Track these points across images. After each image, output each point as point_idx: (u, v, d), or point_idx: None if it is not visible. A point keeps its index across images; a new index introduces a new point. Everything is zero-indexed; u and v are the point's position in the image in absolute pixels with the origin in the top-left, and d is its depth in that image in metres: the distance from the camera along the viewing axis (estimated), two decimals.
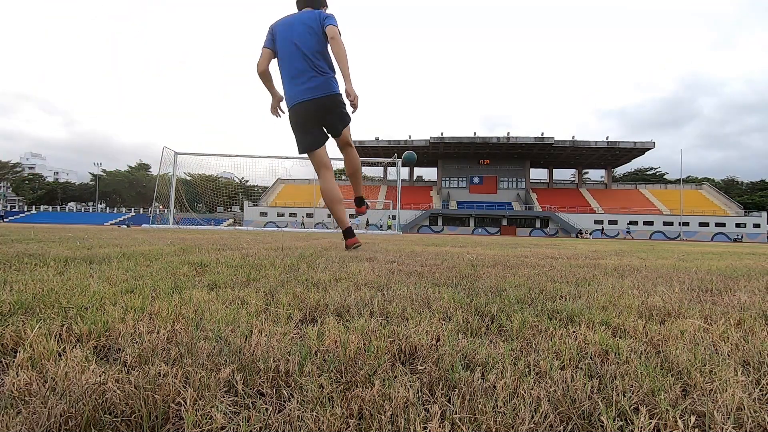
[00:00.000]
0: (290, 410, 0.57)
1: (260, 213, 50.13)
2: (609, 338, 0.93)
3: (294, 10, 3.80)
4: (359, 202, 4.27)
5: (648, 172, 74.18)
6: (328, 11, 3.71)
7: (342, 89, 3.54)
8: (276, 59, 3.66)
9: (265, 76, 3.75)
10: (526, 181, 57.12)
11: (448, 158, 57.52)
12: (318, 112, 3.58)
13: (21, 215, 56.05)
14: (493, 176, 57.30)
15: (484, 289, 1.58)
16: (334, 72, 3.62)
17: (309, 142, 3.70)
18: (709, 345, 0.91)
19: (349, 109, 3.56)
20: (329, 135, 3.78)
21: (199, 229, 12.93)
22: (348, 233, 3.77)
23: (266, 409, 0.58)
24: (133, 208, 64.12)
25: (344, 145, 3.83)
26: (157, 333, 0.87)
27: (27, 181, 75.03)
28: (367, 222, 39.38)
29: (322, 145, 3.75)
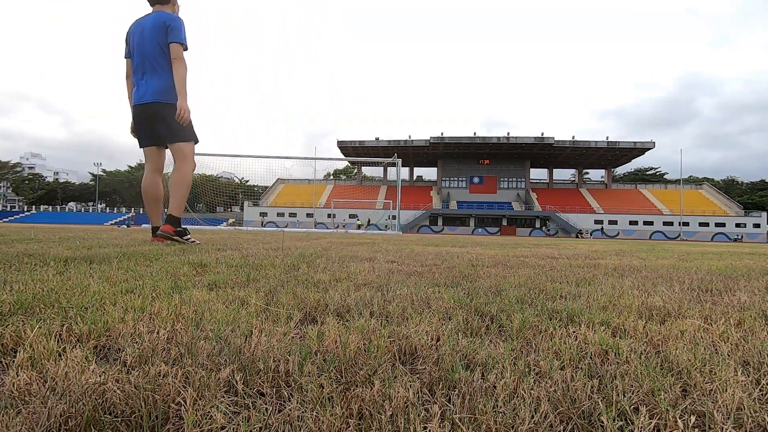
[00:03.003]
0: (290, 410, 0.57)
1: (260, 213, 50.14)
2: (609, 338, 0.92)
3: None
4: (171, 221, 3.81)
5: (648, 172, 74.20)
6: (178, 10, 3.91)
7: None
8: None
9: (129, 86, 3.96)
10: (526, 181, 57.11)
11: (448, 158, 57.50)
12: (146, 117, 3.77)
13: (21, 215, 56.05)
14: (493, 176, 57.29)
15: (484, 289, 1.58)
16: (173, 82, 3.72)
17: (140, 138, 3.91)
18: (709, 345, 0.91)
19: (177, 121, 3.68)
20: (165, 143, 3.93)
21: (199, 229, 12.94)
22: (155, 230, 3.91)
23: (266, 409, 0.58)
24: (133, 208, 64.15)
25: (175, 158, 3.87)
26: (157, 333, 0.87)
27: (27, 181, 75.03)
28: (368, 222, 39.36)
29: (150, 146, 3.91)
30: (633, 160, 56.42)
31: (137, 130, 3.88)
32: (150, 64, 3.67)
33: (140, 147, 3.93)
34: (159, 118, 3.71)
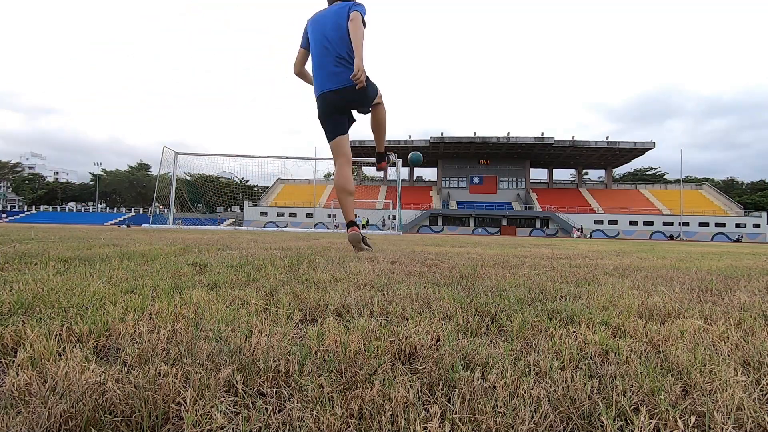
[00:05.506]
0: (290, 410, 0.57)
1: (260, 213, 50.14)
2: (609, 338, 0.92)
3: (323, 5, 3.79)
4: (380, 158, 4.39)
5: (648, 172, 74.17)
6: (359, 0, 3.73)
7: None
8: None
9: (302, 76, 3.99)
10: (526, 181, 57.10)
11: (448, 158, 57.50)
12: (341, 101, 3.66)
13: (21, 215, 56.04)
14: (493, 176, 57.28)
15: (484, 289, 1.57)
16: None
17: (330, 129, 3.79)
18: (709, 345, 0.91)
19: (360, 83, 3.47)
20: (354, 120, 3.89)
21: (199, 229, 12.95)
22: (351, 224, 3.85)
23: (266, 409, 0.58)
24: (133, 208, 64.15)
25: (374, 107, 3.94)
26: (157, 333, 0.87)
27: (27, 181, 75.01)
28: (367, 221, 39.39)
29: (342, 134, 3.82)
30: (633, 160, 56.45)
31: (326, 120, 3.76)
32: (335, 50, 3.55)
33: (330, 140, 3.81)
34: (354, 98, 3.65)
